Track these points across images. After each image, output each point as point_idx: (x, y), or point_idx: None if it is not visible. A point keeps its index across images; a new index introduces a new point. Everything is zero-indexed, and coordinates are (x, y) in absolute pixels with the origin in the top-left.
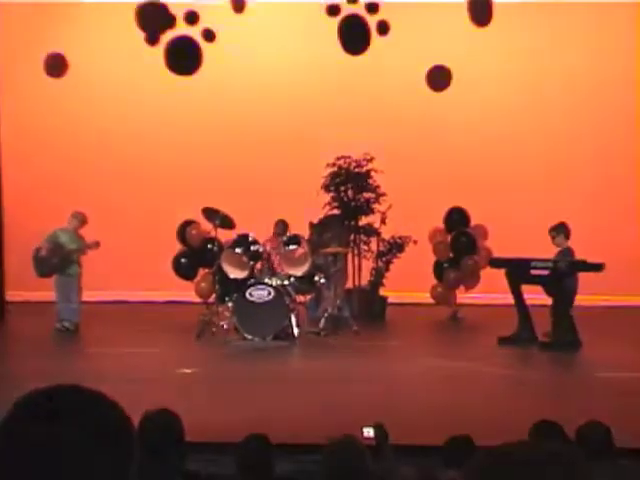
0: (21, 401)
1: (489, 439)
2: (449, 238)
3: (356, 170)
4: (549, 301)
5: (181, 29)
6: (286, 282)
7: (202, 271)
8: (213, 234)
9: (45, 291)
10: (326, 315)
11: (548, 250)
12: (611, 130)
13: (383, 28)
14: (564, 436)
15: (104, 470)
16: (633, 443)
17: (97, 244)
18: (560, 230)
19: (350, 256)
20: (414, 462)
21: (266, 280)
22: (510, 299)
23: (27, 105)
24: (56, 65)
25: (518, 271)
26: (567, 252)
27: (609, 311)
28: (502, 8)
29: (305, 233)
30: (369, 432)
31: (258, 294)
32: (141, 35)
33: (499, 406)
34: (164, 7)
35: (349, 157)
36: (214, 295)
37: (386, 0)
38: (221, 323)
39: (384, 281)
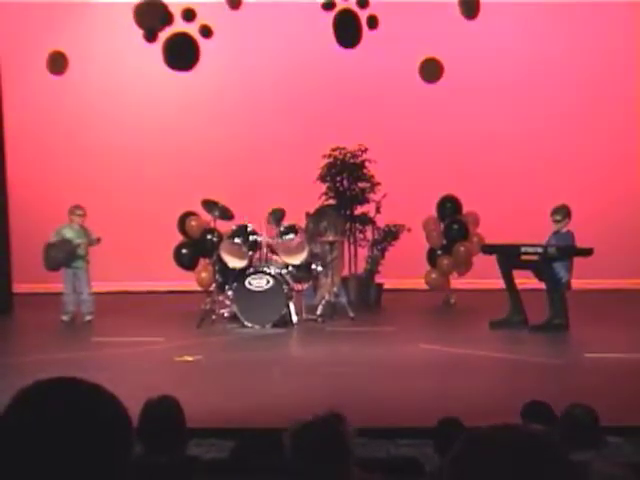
0: (20, 394)
1: (482, 421)
2: (442, 226)
3: (351, 161)
4: (540, 285)
5: (179, 26)
6: (284, 271)
7: (202, 261)
8: (212, 225)
9: (52, 283)
10: (323, 302)
11: (540, 235)
12: (601, 116)
13: (372, 22)
14: (553, 416)
15: (101, 462)
16: (620, 421)
17: (99, 240)
18: (562, 212)
19: (346, 244)
20: (409, 444)
21: (265, 269)
22: (501, 284)
23: (30, 101)
24: (57, 62)
25: (509, 256)
26: (565, 235)
27: (597, 294)
28: (499, 5)
29: (302, 223)
30: None
31: (257, 283)
32: (139, 32)
33: (492, 388)
34: (162, 5)
35: (344, 148)
36: (214, 284)
37: None
38: (221, 311)
39: (379, 268)
